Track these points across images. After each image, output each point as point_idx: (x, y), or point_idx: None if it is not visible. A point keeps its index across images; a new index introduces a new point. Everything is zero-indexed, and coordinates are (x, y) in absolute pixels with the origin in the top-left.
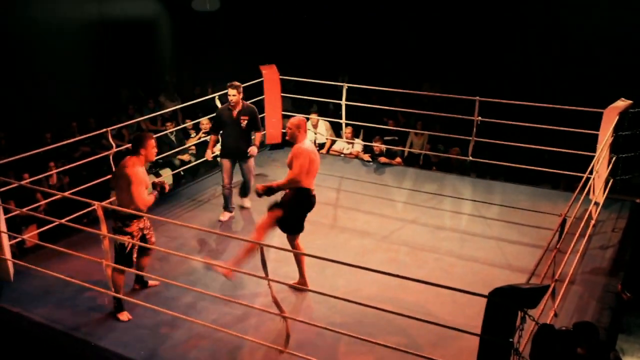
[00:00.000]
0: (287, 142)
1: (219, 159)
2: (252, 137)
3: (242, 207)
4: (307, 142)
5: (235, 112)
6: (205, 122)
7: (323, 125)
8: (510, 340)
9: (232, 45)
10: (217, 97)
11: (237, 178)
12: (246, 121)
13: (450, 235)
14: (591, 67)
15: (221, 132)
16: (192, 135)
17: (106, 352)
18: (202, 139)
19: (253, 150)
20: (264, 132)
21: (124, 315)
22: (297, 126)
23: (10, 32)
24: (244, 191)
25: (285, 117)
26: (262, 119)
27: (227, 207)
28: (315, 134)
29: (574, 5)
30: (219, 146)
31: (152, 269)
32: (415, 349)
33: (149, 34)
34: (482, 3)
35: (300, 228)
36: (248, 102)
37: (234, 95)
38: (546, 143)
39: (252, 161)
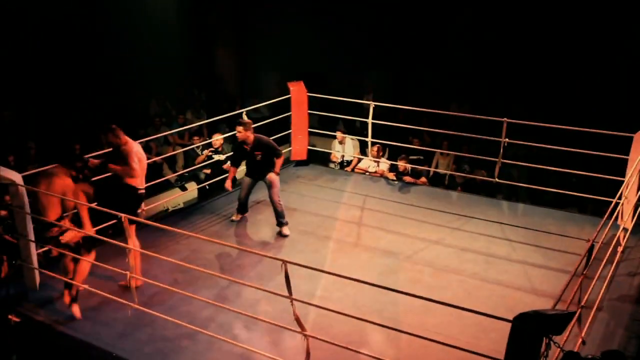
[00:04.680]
0: (313, 159)
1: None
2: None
3: (281, 235)
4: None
5: (248, 147)
6: (217, 139)
7: (350, 142)
8: None
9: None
10: (244, 112)
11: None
12: (261, 155)
13: (475, 257)
14: (622, 90)
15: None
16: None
17: None
18: (211, 159)
19: (272, 177)
20: (284, 156)
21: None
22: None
23: (45, 42)
24: (278, 220)
25: (312, 134)
26: (288, 135)
27: (240, 210)
28: (340, 150)
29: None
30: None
31: (174, 282)
32: None
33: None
34: (511, 25)
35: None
36: (261, 135)
37: (239, 132)
38: (574, 166)
39: (273, 176)
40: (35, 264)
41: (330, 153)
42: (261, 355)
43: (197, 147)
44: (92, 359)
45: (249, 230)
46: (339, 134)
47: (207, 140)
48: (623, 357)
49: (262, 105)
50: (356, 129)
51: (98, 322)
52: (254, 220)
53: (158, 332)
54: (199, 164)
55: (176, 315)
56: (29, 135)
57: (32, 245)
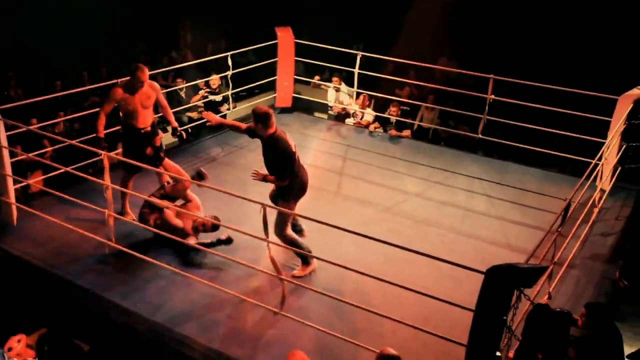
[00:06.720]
0: (298, 106)
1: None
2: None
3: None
4: None
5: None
6: (215, 80)
7: (345, 88)
8: (504, 317)
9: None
10: (229, 55)
11: None
12: (264, 159)
13: (454, 211)
14: (610, 52)
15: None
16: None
17: (104, 300)
18: (206, 98)
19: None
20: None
21: None
22: None
23: None
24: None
25: (297, 82)
26: (273, 82)
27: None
28: (336, 98)
29: None
30: None
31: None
32: (410, 321)
33: None
34: None
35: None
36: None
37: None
38: (557, 126)
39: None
40: (13, 198)
41: (318, 102)
42: (236, 296)
43: (180, 89)
44: (68, 295)
45: (231, 175)
46: (335, 81)
47: (191, 83)
48: (604, 309)
49: (249, 50)
50: (342, 79)
51: (75, 258)
52: (237, 163)
53: (135, 271)
54: (193, 103)
55: (153, 255)
56: (9, 66)
57: (10, 180)
